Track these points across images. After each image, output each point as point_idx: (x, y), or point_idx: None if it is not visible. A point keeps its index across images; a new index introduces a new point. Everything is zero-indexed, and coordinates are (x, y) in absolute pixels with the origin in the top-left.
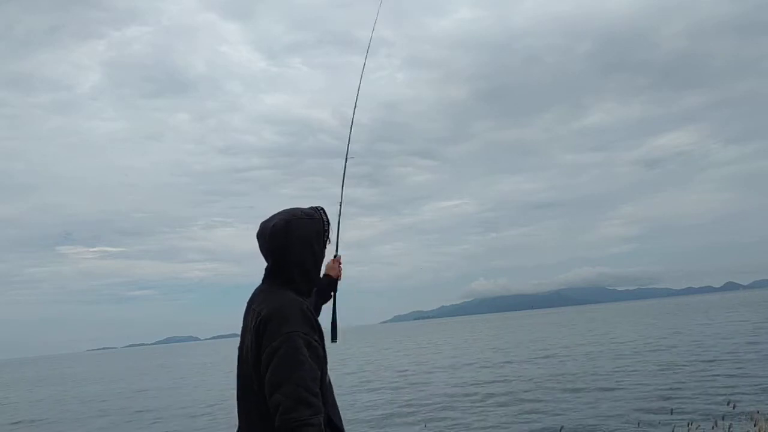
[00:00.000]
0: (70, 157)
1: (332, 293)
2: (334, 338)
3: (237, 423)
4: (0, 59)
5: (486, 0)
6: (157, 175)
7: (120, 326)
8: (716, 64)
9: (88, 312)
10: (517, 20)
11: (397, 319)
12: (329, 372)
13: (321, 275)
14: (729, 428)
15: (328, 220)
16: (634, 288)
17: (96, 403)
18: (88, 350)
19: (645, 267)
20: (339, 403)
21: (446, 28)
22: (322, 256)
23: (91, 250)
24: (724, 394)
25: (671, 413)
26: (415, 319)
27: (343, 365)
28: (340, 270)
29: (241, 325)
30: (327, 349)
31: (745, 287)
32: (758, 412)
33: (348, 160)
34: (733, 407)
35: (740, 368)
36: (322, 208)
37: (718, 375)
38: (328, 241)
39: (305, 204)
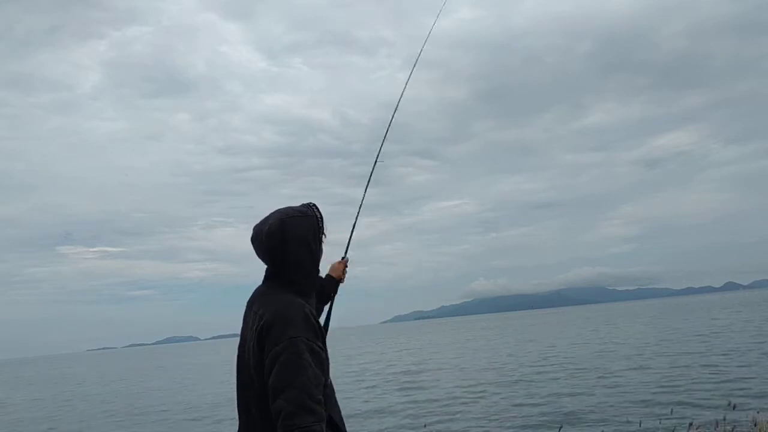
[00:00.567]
0: (70, 157)
1: (332, 295)
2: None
3: (238, 423)
4: (0, 59)
5: (486, 0)
6: (157, 175)
7: (120, 326)
8: (716, 64)
9: (88, 312)
10: (517, 20)
11: (398, 319)
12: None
13: (324, 275)
14: (729, 429)
15: (321, 216)
16: (634, 288)
17: (98, 404)
18: (88, 350)
19: (645, 267)
20: (339, 403)
21: (446, 28)
22: (320, 252)
23: (91, 250)
24: (725, 395)
25: (672, 413)
26: (416, 319)
27: (342, 365)
28: (344, 273)
29: (241, 325)
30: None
31: (745, 287)
32: (759, 412)
33: (377, 163)
34: (734, 408)
35: (741, 368)
36: (315, 205)
37: (718, 375)
38: (324, 237)
39: (301, 203)
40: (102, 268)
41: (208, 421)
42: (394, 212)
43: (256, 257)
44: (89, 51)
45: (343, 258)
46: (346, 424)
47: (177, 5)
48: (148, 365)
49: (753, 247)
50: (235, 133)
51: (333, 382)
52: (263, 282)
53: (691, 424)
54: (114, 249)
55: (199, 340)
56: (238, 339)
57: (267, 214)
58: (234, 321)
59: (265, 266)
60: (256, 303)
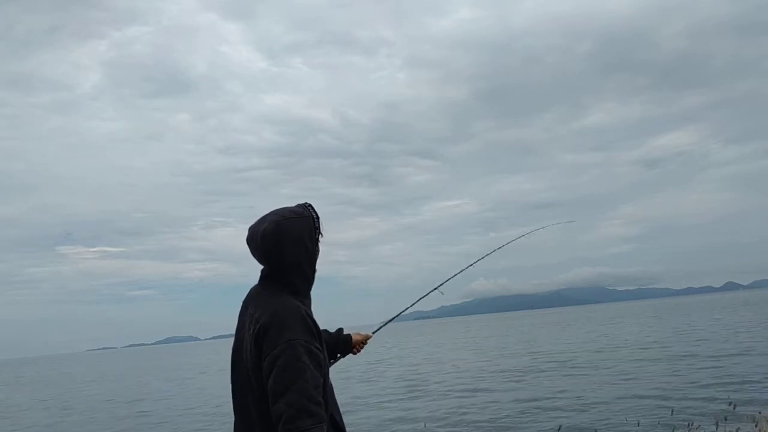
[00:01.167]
0: (70, 157)
1: (338, 356)
2: None
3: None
4: (0, 59)
5: (486, 0)
6: (157, 175)
7: (120, 326)
8: (716, 64)
9: (88, 312)
10: (517, 20)
11: (397, 318)
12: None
13: (346, 334)
14: (730, 428)
15: (317, 216)
16: (634, 288)
17: (101, 404)
18: (88, 350)
19: (645, 267)
20: (339, 403)
21: (446, 28)
22: (317, 252)
23: (91, 250)
24: (725, 395)
25: (672, 413)
26: (416, 319)
27: (342, 364)
28: (361, 347)
29: (237, 324)
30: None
31: (745, 287)
32: (759, 412)
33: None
34: (734, 408)
35: (741, 368)
36: (310, 205)
37: (718, 375)
38: (320, 237)
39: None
40: (102, 268)
41: (219, 423)
42: (394, 212)
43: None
44: (89, 51)
45: (372, 333)
46: (347, 425)
47: (177, 5)
48: (148, 365)
49: (753, 247)
50: (235, 133)
51: (333, 383)
52: (259, 282)
53: (691, 424)
54: (114, 249)
55: (199, 340)
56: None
57: (265, 213)
58: (234, 321)
59: (261, 266)
60: (252, 304)
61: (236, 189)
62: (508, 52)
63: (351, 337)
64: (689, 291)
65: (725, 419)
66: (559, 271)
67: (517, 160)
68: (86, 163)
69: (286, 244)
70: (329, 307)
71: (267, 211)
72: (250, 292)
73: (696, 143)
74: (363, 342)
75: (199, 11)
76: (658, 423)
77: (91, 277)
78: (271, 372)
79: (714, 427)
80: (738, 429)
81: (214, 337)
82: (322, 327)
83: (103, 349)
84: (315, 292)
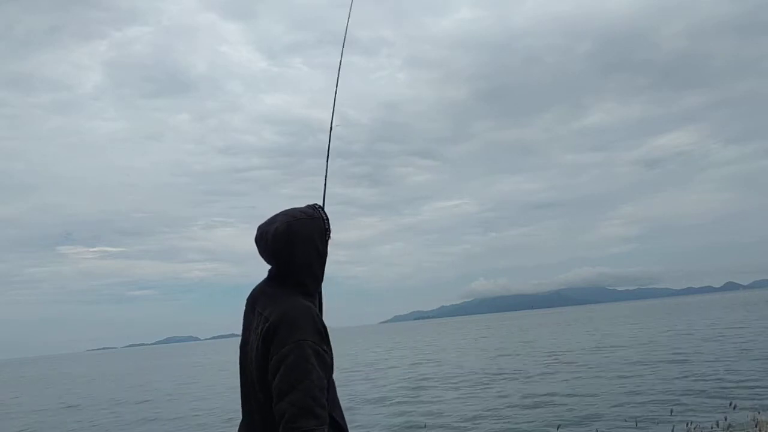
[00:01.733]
0: (70, 157)
1: None
2: None
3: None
4: (0, 59)
5: (486, 0)
6: (157, 175)
7: (120, 326)
8: (716, 64)
9: (88, 312)
10: (517, 20)
11: (397, 319)
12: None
13: None
14: (729, 428)
15: (327, 217)
16: (634, 288)
17: (102, 404)
18: (88, 350)
19: (645, 267)
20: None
21: (446, 28)
22: (326, 253)
23: (91, 250)
24: (725, 394)
25: (671, 413)
26: (415, 319)
27: (342, 365)
28: None
29: (242, 323)
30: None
31: (745, 287)
32: (759, 412)
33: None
34: (734, 407)
35: (741, 368)
36: (321, 206)
37: (718, 375)
38: (329, 238)
39: (306, 203)
40: (102, 268)
41: (209, 421)
42: (394, 212)
43: (257, 257)
44: (90, 51)
45: None
46: (349, 425)
47: (177, 5)
48: (148, 365)
49: (753, 247)
50: (235, 133)
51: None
52: (266, 281)
53: (690, 424)
54: (114, 249)
55: (199, 340)
56: (238, 339)
57: (267, 213)
58: (234, 321)
59: (269, 265)
60: (260, 303)
61: (236, 189)
62: (508, 52)
63: None
64: (689, 291)
65: (725, 419)
66: (559, 271)
67: (517, 160)
68: (86, 163)
69: (297, 244)
70: (329, 306)
71: (268, 211)
72: (254, 290)
73: (696, 143)
74: None
75: (199, 11)
76: (658, 423)
77: (91, 277)
78: (278, 371)
79: (714, 427)
80: (738, 429)
81: (214, 337)
82: None
83: (103, 349)
84: None
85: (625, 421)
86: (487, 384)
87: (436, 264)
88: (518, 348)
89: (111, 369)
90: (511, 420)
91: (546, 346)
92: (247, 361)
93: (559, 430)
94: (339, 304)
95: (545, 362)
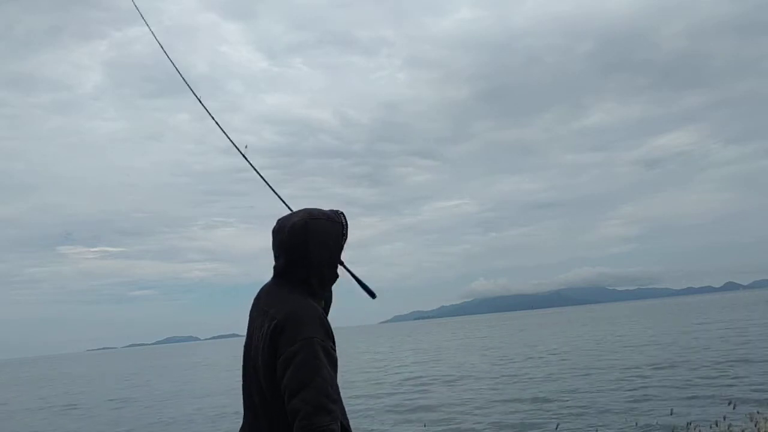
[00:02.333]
0: (70, 157)
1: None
2: (374, 294)
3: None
4: (0, 59)
5: (486, 0)
6: (157, 175)
7: (120, 326)
8: (716, 64)
9: (88, 312)
10: (517, 20)
11: (397, 319)
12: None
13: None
14: (729, 428)
15: (346, 224)
16: (634, 288)
17: (102, 404)
18: (88, 350)
19: (645, 267)
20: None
21: (446, 28)
22: (338, 259)
23: (91, 250)
24: (725, 394)
25: (671, 413)
26: (415, 319)
27: (342, 364)
28: None
29: (247, 321)
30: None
31: (745, 287)
32: (758, 412)
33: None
34: (734, 407)
35: (741, 368)
36: (342, 213)
37: (718, 375)
38: (344, 244)
39: (305, 203)
40: (102, 268)
41: (209, 422)
42: (394, 212)
43: (257, 257)
44: (90, 51)
45: None
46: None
47: (177, 5)
48: (148, 365)
49: (753, 247)
50: (235, 133)
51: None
52: (272, 279)
53: (690, 424)
54: (114, 249)
55: (199, 340)
56: (238, 339)
57: (267, 214)
58: (234, 321)
59: (275, 262)
60: (266, 302)
61: (236, 189)
62: (508, 52)
63: None
64: (689, 291)
65: (724, 419)
66: (559, 271)
67: (517, 160)
68: (86, 163)
69: (313, 242)
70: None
71: (268, 211)
72: (262, 288)
73: (696, 143)
74: None
75: (200, 11)
76: (657, 423)
77: (91, 277)
78: (287, 369)
79: (713, 427)
80: (737, 428)
81: (214, 337)
82: None
83: (103, 349)
84: None
85: (625, 420)
86: (487, 383)
87: (436, 264)
88: (518, 348)
89: (111, 369)
90: (510, 420)
91: (545, 347)
92: (251, 361)
93: (559, 429)
94: (339, 304)
95: (545, 362)
